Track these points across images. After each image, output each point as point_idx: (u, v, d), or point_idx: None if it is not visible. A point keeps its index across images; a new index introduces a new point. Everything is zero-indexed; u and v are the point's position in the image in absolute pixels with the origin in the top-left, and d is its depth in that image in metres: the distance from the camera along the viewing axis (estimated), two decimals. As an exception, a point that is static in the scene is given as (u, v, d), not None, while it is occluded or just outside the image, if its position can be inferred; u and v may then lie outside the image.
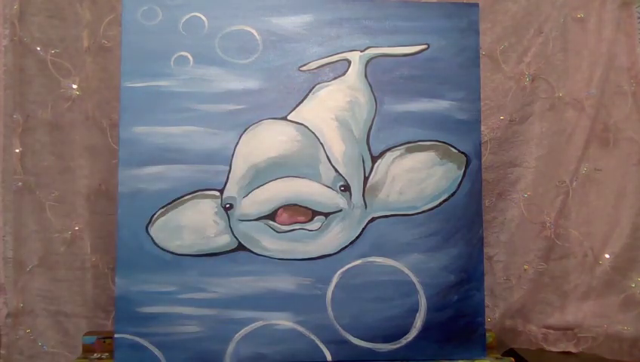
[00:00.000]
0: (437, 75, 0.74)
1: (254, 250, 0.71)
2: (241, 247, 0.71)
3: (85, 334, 0.79)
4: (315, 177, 0.72)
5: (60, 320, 0.86)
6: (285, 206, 0.71)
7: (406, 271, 0.72)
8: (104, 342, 0.76)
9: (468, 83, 0.75)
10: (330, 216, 0.72)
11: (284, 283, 0.71)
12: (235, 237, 0.71)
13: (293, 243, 0.71)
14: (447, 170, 0.74)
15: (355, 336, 0.71)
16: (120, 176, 0.70)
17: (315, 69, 0.73)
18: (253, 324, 0.70)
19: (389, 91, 0.74)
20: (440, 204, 0.73)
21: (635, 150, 0.91)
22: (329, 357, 0.70)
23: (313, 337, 0.70)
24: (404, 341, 0.71)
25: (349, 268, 0.71)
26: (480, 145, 0.75)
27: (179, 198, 0.70)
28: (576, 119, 0.91)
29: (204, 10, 0.72)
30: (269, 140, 0.71)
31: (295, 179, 0.71)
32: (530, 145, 0.91)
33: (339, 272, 0.71)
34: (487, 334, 0.74)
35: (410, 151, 0.73)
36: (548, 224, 0.89)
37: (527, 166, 0.91)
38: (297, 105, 0.72)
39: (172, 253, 0.70)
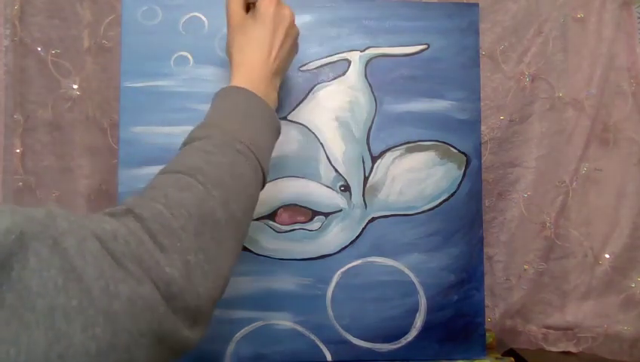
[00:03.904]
0: (437, 75, 0.74)
1: (254, 250, 0.71)
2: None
3: (85, 334, 0.79)
4: (315, 177, 0.72)
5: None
6: (285, 206, 0.71)
7: (406, 271, 0.72)
8: (104, 341, 0.76)
9: (468, 83, 0.75)
10: (330, 216, 0.72)
11: (284, 283, 0.71)
12: (235, 237, 0.71)
13: (293, 243, 0.71)
14: (447, 170, 0.74)
15: (355, 336, 0.71)
16: (120, 176, 0.70)
17: (315, 68, 0.73)
18: (253, 324, 0.70)
19: (389, 91, 0.74)
20: (440, 204, 0.73)
21: (635, 150, 0.91)
22: (329, 357, 0.70)
23: (313, 337, 0.70)
24: (404, 341, 0.71)
25: (349, 268, 0.71)
26: (480, 145, 0.75)
27: (179, 198, 0.70)
28: (576, 119, 0.91)
29: (204, 10, 0.72)
30: (269, 140, 0.71)
31: (295, 179, 0.72)
32: (530, 145, 0.91)
33: (339, 272, 0.71)
34: (487, 334, 0.74)
35: (410, 151, 0.73)
36: (548, 224, 0.89)
37: (527, 166, 0.91)
38: (297, 105, 0.72)
39: (172, 252, 0.70)
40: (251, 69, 0.56)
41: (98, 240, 0.35)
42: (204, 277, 0.40)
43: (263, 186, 0.52)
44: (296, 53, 0.64)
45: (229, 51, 0.60)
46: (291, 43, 0.60)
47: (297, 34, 0.61)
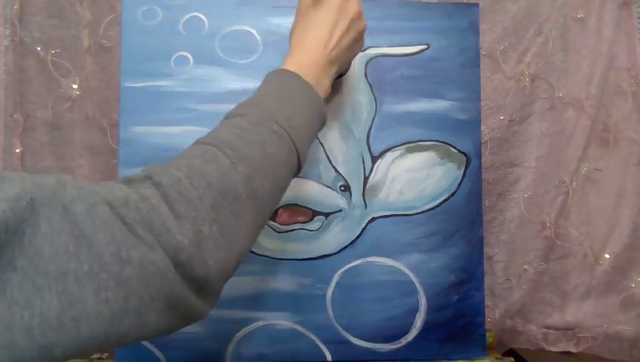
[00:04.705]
0: (437, 75, 0.74)
1: (254, 250, 0.71)
2: (241, 247, 0.71)
3: (85, 334, 0.79)
4: (315, 177, 0.72)
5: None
6: (285, 206, 0.71)
7: (406, 271, 0.72)
8: (104, 341, 0.76)
9: (468, 83, 0.75)
10: (330, 216, 0.72)
11: (284, 283, 0.71)
12: (235, 237, 0.71)
13: (293, 243, 0.71)
14: (447, 170, 0.74)
15: (355, 336, 0.71)
16: (120, 176, 0.70)
17: (315, 69, 0.73)
18: (253, 324, 0.70)
19: (389, 91, 0.74)
20: (440, 204, 0.73)
21: (635, 150, 0.91)
22: (329, 357, 0.70)
23: (313, 337, 0.70)
24: (404, 341, 0.71)
25: (349, 268, 0.71)
26: (480, 145, 0.75)
27: (179, 198, 0.70)
28: (576, 119, 0.91)
29: (204, 10, 0.72)
30: (269, 140, 0.71)
31: (295, 179, 0.71)
32: (530, 145, 0.91)
33: (339, 272, 0.71)
34: (487, 334, 0.74)
35: (410, 151, 0.73)
36: (548, 224, 0.89)
37: (527, 166, 0.91)
38: (297, 105, 0.72)
39: (172, 252, 0.70)
40: (305, 55, 0.56)
41: (108, 205, 0.35)
42: (215, 249, 0.39)
43: (299, 170, 0.52)
44: (362, 48, 0.63)
45: (290, 37, 0.60)
46: (354, 36, 0.60)
47: (363, 28, 0.61)
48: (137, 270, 0.34)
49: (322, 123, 0.56)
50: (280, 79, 0.54)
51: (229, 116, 0.49)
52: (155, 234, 0.36)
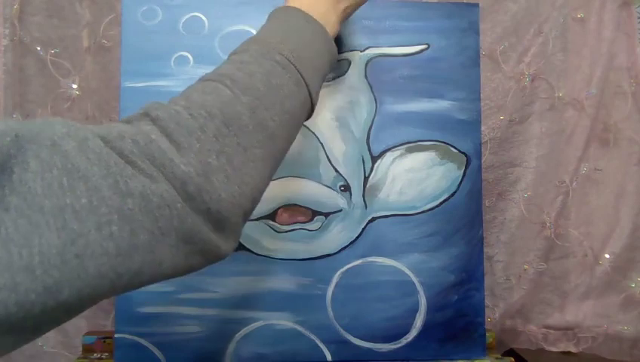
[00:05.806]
0: (437, 75, 0.74)
1: (254, 250, 0.71)
2: (241, 247, 0.71)
3: (85, 334, 0.79)
4: (315, 177, 0.72)
5: (59, 320, 0.86)
6: (285, 206, 0.71)
7: (406, 271, 0.72)
8: (104, 342, 0.76)
9: (468, 83, 0.75)
10: (330, 216, 0.72)
11: (284, 283, 0.71)
12: (235, 237, 0.71)
13: (293, 243, 0.71)
14: (447, 170, 0.74)
15: (355, 336, 0.71)
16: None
17: (315, 68, 0.73)
18: (253, 324, 0.70)
19: (389, 91, 0.74)
20: (440, 204, 0.73)
21: (635, 150, 0.91)
22: (329, 357, 0.70)
23: (313, 337, 0.70)
24: (404, 341, 0.71)
25: (349, 268, 0.71)
26: (480, 145, 0.75)
27: (179, 198, 0.70)
28: (576, 119, 0.91)
29: (204, 10, 0.72)
30: (269, 140, 0.71)
31: (295, 179, 0.71)
32: (530, 145, 0.91)
33: (339, 272, 0.71)
34: (487, 334, 0.74)
35: (410, 151, 0.73)
36: (548, 224, 0.89)
37: (527, 166, 0.91)
38: (297, 105, 0.72)
39: (172, 253, 0.70)
40: None
41: (102, 140, 0.33)
42: (227, 181, 0.37)
43: (312, 107, 0.49)
44: None
45: None
46: None
47: None
48: (140, 202, 0.32)
49: (332, 57, 0.53)
50: (282, 15, 0.51)
51: (229, 55, 0.47)
52: (156, 165, 0.34)
